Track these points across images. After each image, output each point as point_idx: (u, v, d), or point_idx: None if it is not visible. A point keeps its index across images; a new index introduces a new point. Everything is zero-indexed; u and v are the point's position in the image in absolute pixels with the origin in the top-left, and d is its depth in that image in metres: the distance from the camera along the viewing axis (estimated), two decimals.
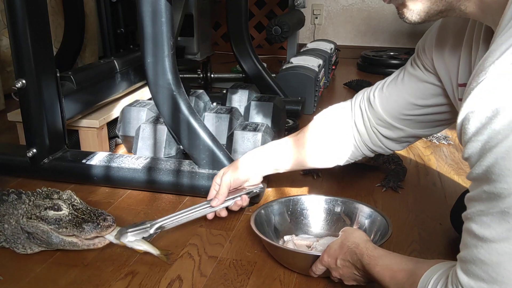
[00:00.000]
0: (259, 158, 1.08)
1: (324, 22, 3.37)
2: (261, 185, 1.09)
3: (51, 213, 0.94)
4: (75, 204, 0.97)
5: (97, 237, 0.94)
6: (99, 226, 0.92)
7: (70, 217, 0.94)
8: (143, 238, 0.93)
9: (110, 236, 0.94)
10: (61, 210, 0.94)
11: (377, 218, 0.99)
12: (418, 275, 0.65)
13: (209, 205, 1.02)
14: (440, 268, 0.64)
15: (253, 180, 1.08)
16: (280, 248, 0.94)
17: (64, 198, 0.97)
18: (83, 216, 0.94)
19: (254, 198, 1.15)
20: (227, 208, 1.05)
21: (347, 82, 2.50)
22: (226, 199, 1.03)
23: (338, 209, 1.06)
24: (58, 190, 0.99)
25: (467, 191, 1.03)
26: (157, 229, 0.95)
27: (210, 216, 1.04)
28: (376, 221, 0.99)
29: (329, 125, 1.05)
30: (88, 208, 0.97)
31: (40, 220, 0.93)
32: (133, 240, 0.92)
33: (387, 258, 0.74)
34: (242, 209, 1.18)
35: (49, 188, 1.01)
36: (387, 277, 0.71)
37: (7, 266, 0.95)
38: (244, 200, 1.06)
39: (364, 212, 1.03)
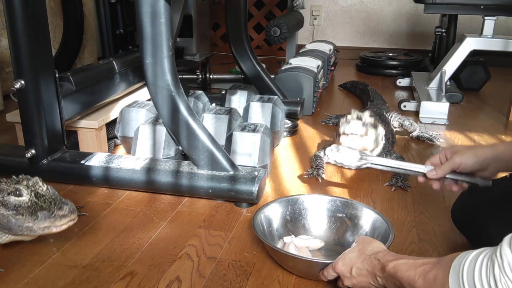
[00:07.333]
0: (507, 155, 0.93)
1: (323, 23, 3.37)
2: (489, 182, 0.97)
3: (12, 198, 0.92)
4: (39, 191, 0.95)
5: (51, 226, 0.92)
6: (53, 215, 0.91)
7: (29, 203, 0.92)
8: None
9: None
10: (21, 196, 0.93)
11: (378, 221, 0.99)
12: (449, 258, 0.63)
13: (425, 171, 0.98)
14: (474, 250, 0.61)
15: (487, 173, 0.95)
16: (282, 253, 0.92)
17: (29, 184, 0.95)
18: (42, 204, 0.93)
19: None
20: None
21: (342, 84, 2.50)
22: (446, 176, 0.96)
23: (338, 209, 1.06)
24: (29, 177, 0.97)
25: (468, 189, 1.04)
26: (369, 163, 1.02)
27: (422, 180, 1.00)
28: (377, 224, 0.99)
29: None
30: (53, 197, 0.95)
31: (1, 205, 0.92)
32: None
33: (412, 260, 0.72)
34: (241, 209, 1.19)
35: (24, 175, 0.98)
36: (416, 275, 0.68)
37: (5, 266, 0.95)
38: (461, 187, 0.98)
39: (365, 214, 1.02)
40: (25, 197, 0.93)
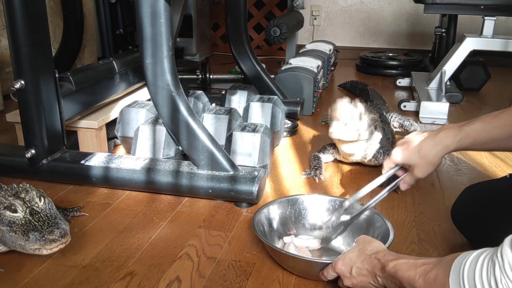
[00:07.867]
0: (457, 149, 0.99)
1: (323, 23, 3.37)
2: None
3: (7, 213, 0.91)
4: (35, 207, 0.93)
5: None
6: (43, 238, 0.89)
7: (23, 221, 0.91)
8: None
9: None
10: (16, 213, 0.91)
11: (378, 221, 0.99)
12: (450, 258, 0.63)
13: (395, 186, 1.02)
14: (474, 251, 0.61)
15: None
16: (282, 253, 0.92)
17: (26, 199, 0.94)
18: (36, 223, 0.91)
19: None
20: None
21: (341, 84, 2.49)
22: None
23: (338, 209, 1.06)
24: (29, 189, 0.96)
25: (469, 187, 1.04)
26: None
27: None
28: (376, 224, 0.99)
29: None
30: (48, 215, 0.93)
31: None
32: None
33: (412, 260, 0.72)
34: (241, 209, 1.19)
35: (24, 184, 0.97)
36: (417, 275, 0.68)
37: (5, 267, 0.95)
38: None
39: (365, 213, 1.02)
40: (20, 214, 0.92)
